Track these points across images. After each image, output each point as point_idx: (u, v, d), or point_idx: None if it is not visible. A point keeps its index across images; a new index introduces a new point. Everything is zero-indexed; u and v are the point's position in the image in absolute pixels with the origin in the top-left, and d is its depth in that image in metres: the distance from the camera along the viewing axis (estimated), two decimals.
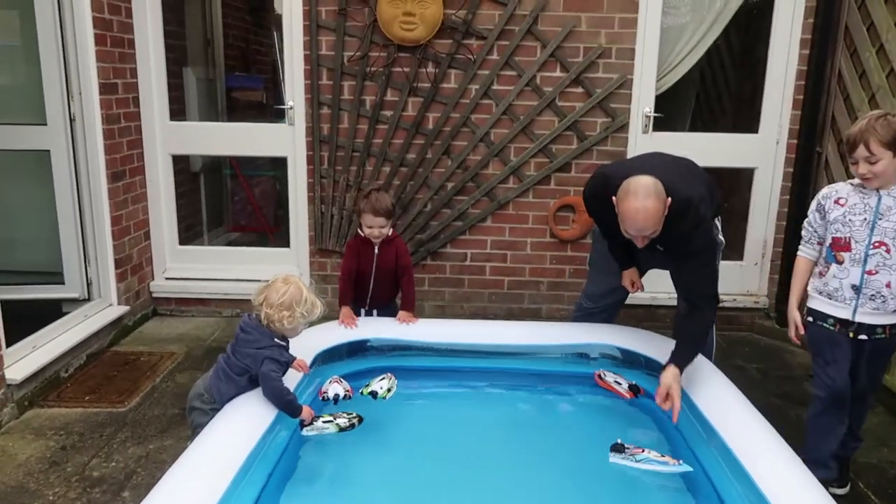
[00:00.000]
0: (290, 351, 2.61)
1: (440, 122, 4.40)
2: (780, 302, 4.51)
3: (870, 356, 2.60)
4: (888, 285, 2.46)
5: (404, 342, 3.10)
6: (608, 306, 3.42)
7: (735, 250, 4.76)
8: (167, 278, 4.73)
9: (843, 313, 2.55)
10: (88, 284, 4.16)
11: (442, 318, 4.45)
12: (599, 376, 2.95)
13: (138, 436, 3.08)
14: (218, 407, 2.45)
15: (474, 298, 4.68)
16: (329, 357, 3.03)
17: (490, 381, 3.05)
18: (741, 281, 4.66)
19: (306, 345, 2.92)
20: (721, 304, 4.52)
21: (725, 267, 4.67)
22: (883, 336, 2.55)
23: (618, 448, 2.32)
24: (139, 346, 4.13)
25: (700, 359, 2.90)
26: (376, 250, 3.22)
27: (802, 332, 2.69)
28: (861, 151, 2.38)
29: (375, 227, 3.13)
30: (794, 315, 2.70)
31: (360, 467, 2.44)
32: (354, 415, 2.61)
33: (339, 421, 2.56)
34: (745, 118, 5.12)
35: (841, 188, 2.56)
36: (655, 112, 4.37)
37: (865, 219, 2.46)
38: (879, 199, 2.44)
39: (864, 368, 2.63)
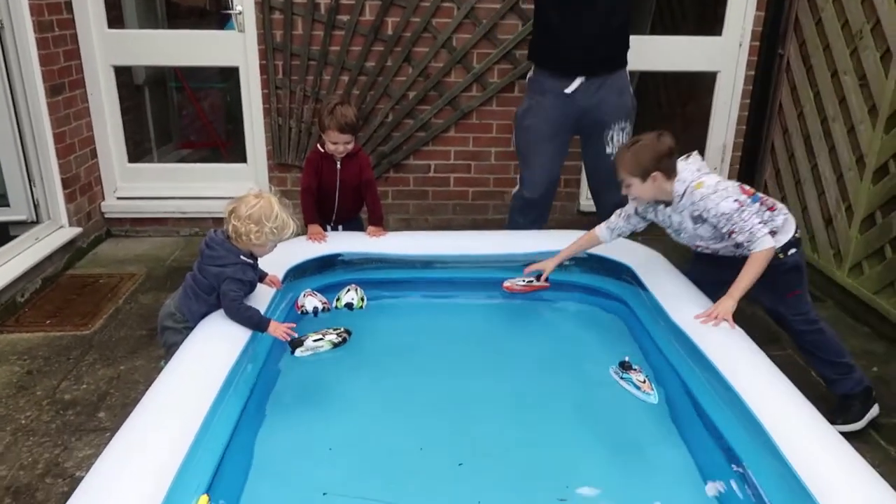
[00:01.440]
0: (262, 266, 2.56)
1: (400, 26, 4.21)
2: None
3: None
4: None
5: (376, 255, 3.07)
6: (546, 192, 3.54)
7: None
8: (119, 198, 4.54)
9: None
10: (36, 206, 3.97)
11: (406, 230, 4.41)
12: (509, 288, 2.95)
13: (107, 357, 3.03)
14: (191, 325, 2.40)
15: (438, 210, 4.65)
16: (301, 272, 2.99)
17: (463, 291, 3.07)
18: None
19: (277, 260, 2.86)
20: None
21: None
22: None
23: (623, 365, 2.40)
24: (96, 269, 4.01)
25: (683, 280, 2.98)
26: (338, 165, 3.12)
27: None
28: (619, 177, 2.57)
29: (340, 143, 3.01)
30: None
31: (342, 381, 2.44)
32: (342, 329, 2.60)
33: (329, 337, 2.55)
34: (708, 21, 5.06)
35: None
36: None
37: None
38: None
39: None
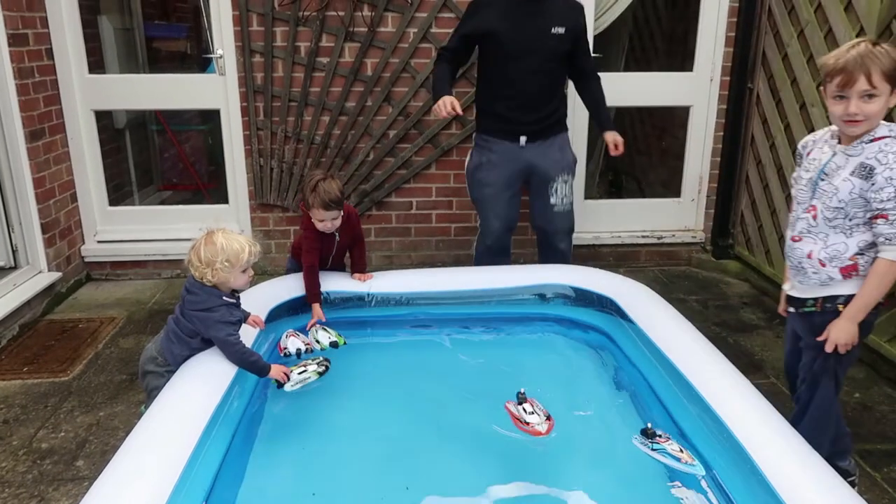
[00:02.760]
0: (245, 307, 2.55)
1: (379, 67, 4.28)
2: (716, 236, 4.69)
3: (806, 335, 2.25)
4: (809, 256, 2.13)
5: (360, 293, 3.07)
6: (505, 237, 3.63)
7: (672, 188, 4.90)
8: (99, 241, 4.51)
9: (786, 284, 2.32)
10: (14, 251, 3.93)
11: (389, 268, 4.43)
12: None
13: (86, 404, 2.97)
14: (173, 369, 2.37)
15: (421, 247, 4.67)
16: (284, 311, 2.96)
17: (449, 328, 3.06)
18: (679, 217, 4.80)
19: (260, 300, 2.87)
20: (660, 241, 4.71)
21: (663, 204, 4.85)
22: (813, 309, 2.18)
23: (647, 433, 2.16)
24: (76, 313, 3.96)
25: (648, 293, 3.02)
26: (337, 237, 3.04)
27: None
28: (860, 85, 1.90)
29: (328, 220, 2.87)
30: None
31: (327, 420, 2.42)
32: (321, 359, 2.60)
33: (311, 368, 2.54)
34: (678, 57, 5.20)
35: (820, 135, 2.20)
36: (594, 52, 4.38)
37: (811, 178, 2.14)
38: (833, 155, 2.08)
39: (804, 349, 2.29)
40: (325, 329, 2.85)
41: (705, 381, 2.28)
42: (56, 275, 4.04)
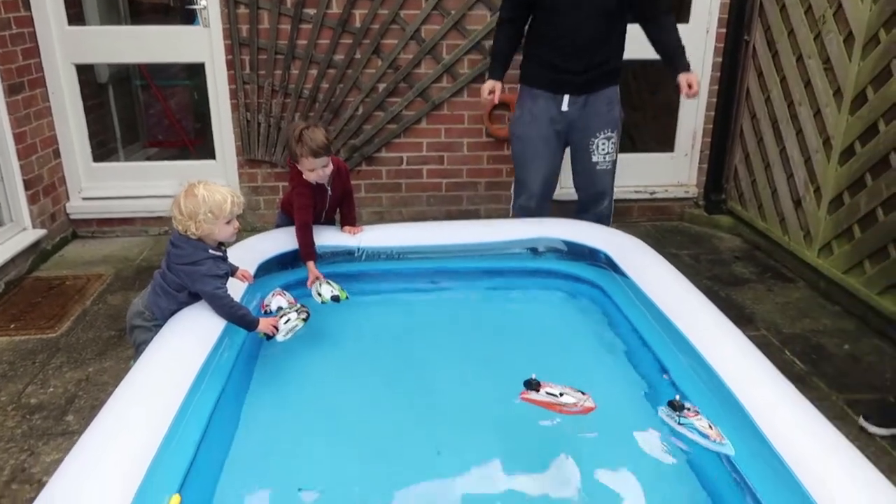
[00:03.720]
0: (233, 262, 2.51)
1: (368, 18, 4.17)
2: (709, 191, 4.66)
3: None
4: None
5: (350, 247, 3.03)
6: (542, 199, 3.47)
7: (666, 142, 4.85)
8: (84, 198, 4.43)
9: None
10: None
11: (380, 224, 4.38)
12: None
13: (74, 360, 2.95)
14: (160, 323, 2.35)
15: (412, 202, 4.62)
16: (273, 267, 2.93)
17: (440, 282, 3.03)
18: (672, 172, 4.77)
19: (248, 255, 2.83)
20: (653, 196, 4.68)
21: (656, 159, 4.79)
22: None
23: (674, 405, 2.01)
24: (62, 271, 3.91)
25: (641, 246, 3.00)
26: (329, 191, 2.96)
27: None
28: None
29: (318, 168, 2.77)
30: None
31: (318, 373, 2.41)
32: (300, 306, 2.56)
33: (292, 315, 2.49)
34: (674, 8, 5.08)
35: None
36: None
37: None
38: None
39: None
40: (329, 283, 2.79)
41: (698, 333, 2.28)
42: (41, 232, 3.98)
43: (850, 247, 3.38)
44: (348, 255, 3.04)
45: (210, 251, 2.31)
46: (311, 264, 2.87)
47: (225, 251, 2.41)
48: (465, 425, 2.14)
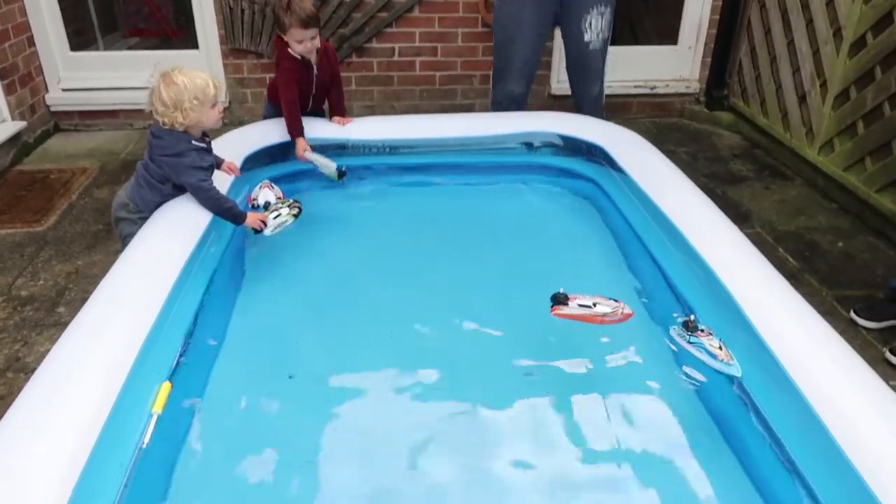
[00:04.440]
0: (220, 154, 2.44)
1: None
2: (712, 86, 4.52)
3: None
4: None
5: (340, 140, 2.94)
6: (527, 85, 3.35)
7: (669, 35, 4.65)
8: (64, 89, 4.27)
9: None
10: None
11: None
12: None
13: (63, 253, 2.92)
14: (146, 215, 2.29)
15: (405, 96, 4.47)
16: (261, 159, 2.85)
17: (433, 177, 2.97)
18: (674, 66, 4.60)
19: (235, 147, 2.75)
20: (653, 91, 4.53)
21: (659, 52, 4.61)
22: None
23: (688, 325, 1.92)
24: (46, 164, 3.81)
25: (638, 140, 2.93)
26: (315, 70, 2.83)
27: None
28: None
29: (307, 40, 2.65)
30: None
31: (306, 265, 2.40)
32: (292, 201, 2.51)
33: (283, 210, 2.45)
34: None
35: None
36: None
37: None
38: None
39: None
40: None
41: (694, 229, 2.24)
42: (21, 124, 3.85)
43: (852, 143, 3.30)
44: (339, 148, 2.95)
45: (193, 142, 2.22)
46: (300, 140, 2.81)
47: (209, 142, 2.32)
48: (456, 320, 2.14)
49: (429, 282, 2.32)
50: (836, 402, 1.51)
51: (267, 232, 2.39)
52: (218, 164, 2.48)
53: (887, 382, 2.01)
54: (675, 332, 1.96)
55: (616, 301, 1.97)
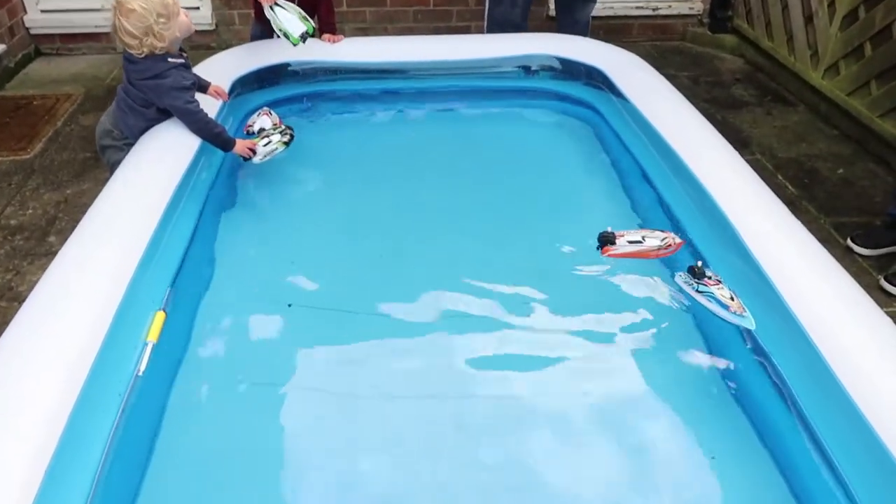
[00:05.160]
0: (206, 77, 2.35)
1: None
2: (716, 7, 4.36)
3: None
4: None
5: (330, 63, 2.84)
6: (522, 7, 3.24)
7: None
8: (43, 10, 4.09)
9: None
10: None
11: None
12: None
13: (51, 182, 2.87)
14: (131, 141, 2.23)
15: (398, 18, 4.31)
16: (251, 83, 2.75)
17: (426, 102, 2.89)
18: None
19: (221, 70, 2.65)
20: (655, 12, 4.38)
21: None
22: None
23: (695, 272, 1.76)
24: (29, 90, 3.70)
25: (639, 63, 2.84)
26: None
27: None
28: None
29: None
30: None
31: (299, 193, 2.37)
32: (284, 127, 2.43)
33: (274, 137, 2.37)
34: None
35: None
36: None
37: None
38: None
39: None
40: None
41: (692, 155, 2.20)
42: (0, 47, 3.71)
43: (858, 66, 3.21)
44: (330, 73, 2.86)
45: (170, 59, 2.11)
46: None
47: (186, 57, 2.21)
48: (452, 248, 2.12)
49: (424, 210, 2.29)
50: (833, 330, 1.51)
51: (256, 160, 2.33)
52: (204, 87, 2.40)
53: (882, 310, 2.03)
54: (681, 279, 1.80)
55: (663, 232, 1.91)
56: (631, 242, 1.86)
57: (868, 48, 3.14)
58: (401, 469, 1.51)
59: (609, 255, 1.85)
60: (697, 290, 1.74)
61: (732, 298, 1.70)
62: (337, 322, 1.86)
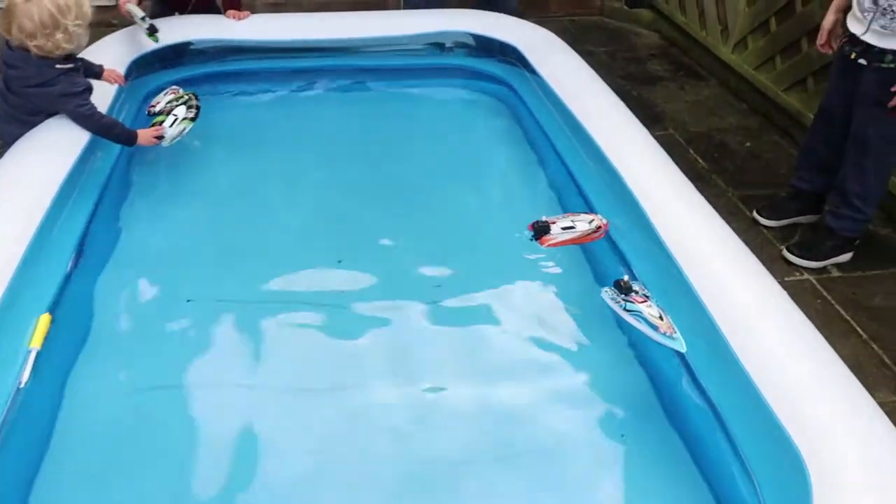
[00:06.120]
0: (98, 60, 2.21)
1: None
2: None
3: (867, 90, 2.14)
4: None
5: (234, 42, 2.71)
6: None
7: None
8: None
9: (857, 28, 2.12)
10: None
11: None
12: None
13: None
14: None
15: None
16: (151, 64, 2.60)
17: (334, 81, 2.80)
18: None
19: (117, 51, 2.50)
20: None
21: None
22: (891, 66, 2.07)
23: (621, 286, 1.65)
24: None
25: (554, 41, 2.84)
26: None
27: (823, 41, 2.30)
28: None
29: None
30: (826, 20, 2.30)
31: (203, 181, 2.26)
32: (186, 97, 2.26)
33: (179, 111, 2.22)
34: None
35: None
36: None
37: None
38: None
39: (858, 105, 2.19)
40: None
41: (603, 133, 2.21)
42: None
43: (764, 41, 3.30)
44: (236, 52, 2.73)
45: (57, 66, 1.93)
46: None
47: (78, 62, 2.05)
48: (364, 230, 2.08)
49: (333, 193, 2.23)
50: (729, 298, 1.57)
51: (165, 143, 2.19)
52: (97, 73, 2.24)
53: (783, 279, 2.12)
54: (607, 295, 1.68)
55: (588, 214, 1.91)
56: (564, 229, 1.83)
57: (773, 23, 3.23)
58: (300, 461, 1.47)
59: (548, 246, 1.82)
60: (625, 309, 1.65)
61: (661, 318, 1.61)
62: (240, 315, 1.78)
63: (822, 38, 2.30)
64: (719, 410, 1.45)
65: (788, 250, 2.41)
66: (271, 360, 1.68)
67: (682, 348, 1.56)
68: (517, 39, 2.82)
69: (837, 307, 2.25)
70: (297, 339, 1.76)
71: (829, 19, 2.28)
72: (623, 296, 1.64)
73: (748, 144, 3.14)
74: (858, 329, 2.17)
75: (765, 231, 2.59)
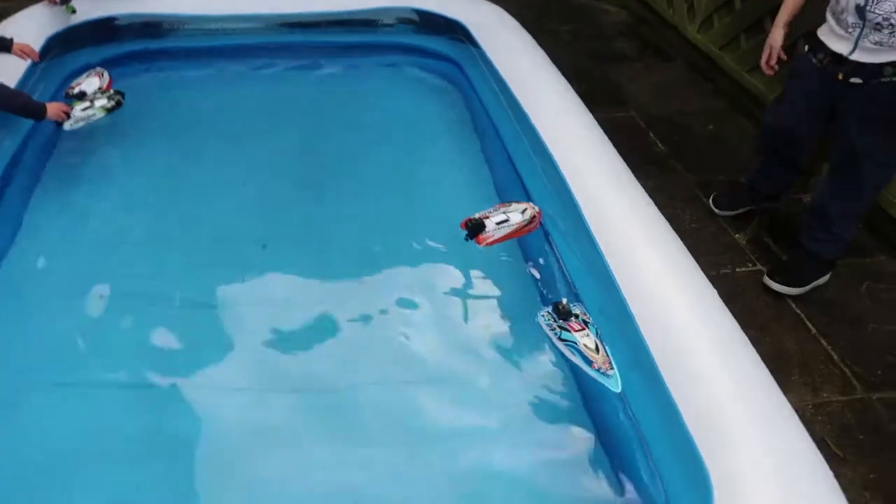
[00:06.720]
0: (14, 37, 2.08)
1: None
2: None
3: (864, 111, 1.88)
4: None
5: (162, 16, 2.56)
6: None
7: None
8: None
9: (840, 46, 1.85)
10: None
11: None
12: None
13: None
14: None
15: None
16: (72, 41, 2.45)
17: (271, 59, 2.67)
18: None
19: (32, 27, 2.35)
20: None
21: None
22: (890, 80, 1.81)
23: (560, 310, 1.57)
24: None
25: (503, 17, 2.70)
26: None
27: (773, 61, 2.06)
28: None
29: None
30: (774, 36, 2.05)
31: (123, 163, 2.15)
32: (113, 91, 2.20)
33: (99, 103, 2.13)
34: None
35: None
36: None
37: None
38: None
39: (853, 126, 1.92)
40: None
41: (544, 119, 2.09)
42: None
43: (729, 19, 3.17)
44: (150, 26, 2.58)
45: None
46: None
47: None
48: (289, 217, 1.97)
49: (263, 178, 2.12)
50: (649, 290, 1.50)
51: (67, 126, 2.07)
52: (7, 46, 2.11)
53: (735, 270, 2.02)
54: (543, 320, 1.59)
55: (520, 203, 1.81)
56: (499, 224, 1.73)
57: (738, 1, 3.09)
58: (207, 465, 1.39)
59: (486, 245, 1.70)
60: (560, 338, 1.53)
61: (598, 349, 1.49)
62: (155, 312, 1.69)
63: (771, 57, 2.05)
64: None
65: (770, 277, 2.18)
66: (179, 358, 1.59)
67: (617, 388, 1.43)
68: (465, 17, 2.68)
69: (789, 301, 2.14)
70: (211, 338, 1.65)
71: (776, 35, 2.03)
72: (560, 321, 1.53)
73: (710, 127, 3.01)
74: (808, 323, 2.07)
75: (720, 220, 2.48)
